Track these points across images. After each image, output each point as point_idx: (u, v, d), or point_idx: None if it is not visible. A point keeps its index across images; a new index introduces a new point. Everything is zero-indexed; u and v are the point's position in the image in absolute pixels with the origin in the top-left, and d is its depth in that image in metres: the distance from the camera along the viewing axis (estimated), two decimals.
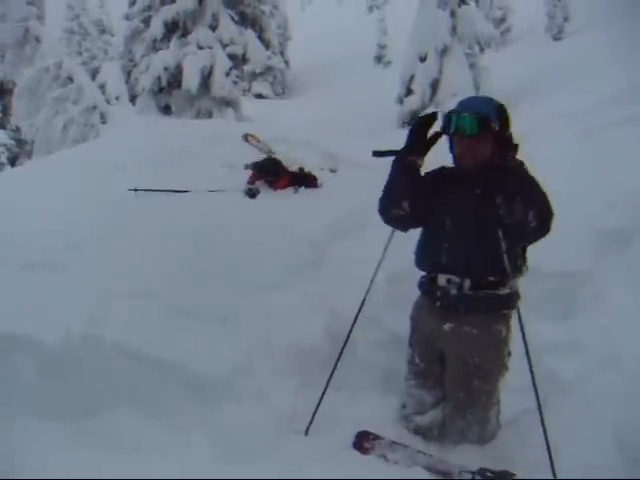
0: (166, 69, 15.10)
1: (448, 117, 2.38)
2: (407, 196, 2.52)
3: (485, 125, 2.31)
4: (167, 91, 15.52)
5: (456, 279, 2.46)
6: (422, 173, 2.54)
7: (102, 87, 18.40)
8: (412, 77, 14.31)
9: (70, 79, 13.59)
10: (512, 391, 2.70)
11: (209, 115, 14.80)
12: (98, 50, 27.22)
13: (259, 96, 26.17)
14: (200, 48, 14.90)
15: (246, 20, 16.57)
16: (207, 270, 3.53)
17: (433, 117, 2.49)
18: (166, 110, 15.76)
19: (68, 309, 2.95)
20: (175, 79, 15.22)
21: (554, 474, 2.21)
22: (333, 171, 5.73)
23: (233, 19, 15.64)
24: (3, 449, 2.25)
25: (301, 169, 5.39)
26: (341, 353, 2.72)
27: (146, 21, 17.24)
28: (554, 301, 3.29)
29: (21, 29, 13.63)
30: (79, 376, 2.65)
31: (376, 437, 2.60)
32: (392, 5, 31.43)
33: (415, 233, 2.68)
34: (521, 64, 15.57)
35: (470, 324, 2.47)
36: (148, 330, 2.92)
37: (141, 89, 15.97)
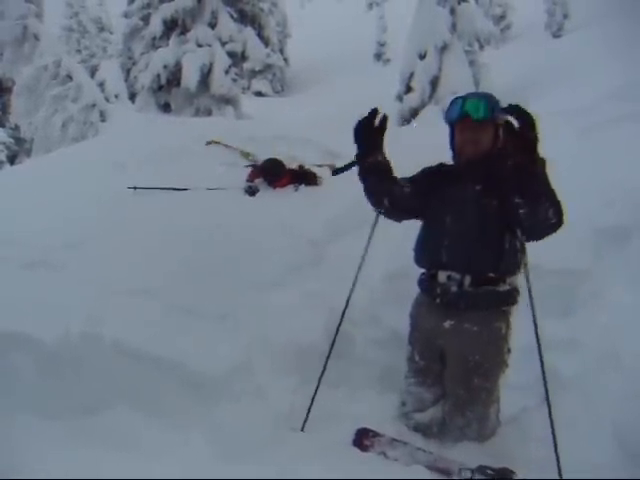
0: (165, 67, 15.09)
1: (454, 102, 2.41)
2: (383, 194, 2.59)
3: (493, 110, 2.35)
4: (166, 89, 15.51)
5: (457, 276, 2.46)
6: (392, 164, 2.61)
7: (101, 85, 18.39)
8: (412, 74, 14.28)
9: (69, 77, 13.59)
10: (512, 389, 2.70)
11: (208, 113, 14.79)
12: (97, 48, 27.19)
13: (258, 94, 26.15)
14: (199, 46, 14.89)
15: (245, 18, 16.55)
16: (206, 268, 3.53)
17: (373, 113, 2.52)
18: (165, 108, 15.76)
19: (67, 307, 2.94)
20: (174, 77, 15.21)
21: (560, 473, 2.20)
22: (332, 168, 5.73)
23: (232, 17, 15.62)
24: (3, 447, 2.25)
25: (301, 166, 5.39)
26: (331, 349, 2.71)
27: (145, 19, 17.23)
28: (554, 298, 3.29)
29: (20, 27, 13.61)
30: (78, 374, 2.65)
31: (376, 434, 2.60)
32: (391, 2, 31.36)
33: (413, 230, 2.68)
34: (521, 61, 15.57)
35: (470, 321, 2.47)
36: (147, 328, 2.92)
37: (140, 87, 15.97)
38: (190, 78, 14.66)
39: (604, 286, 3.41)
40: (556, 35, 19.98)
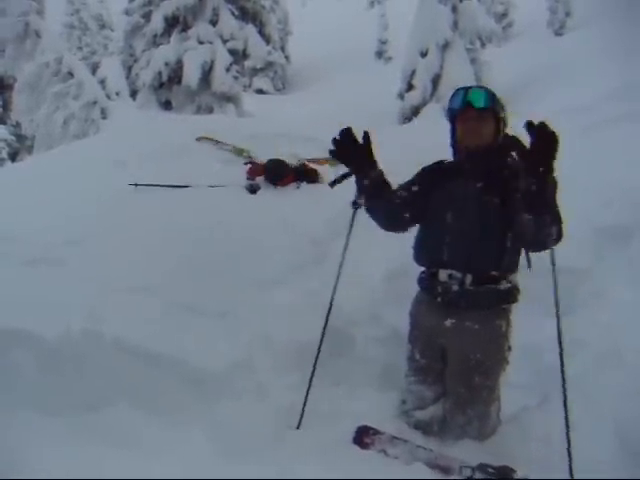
0: (167, 64, 15.08)
1: (457, 92, 2.44)
2: (386, 222, 2.67)
3: (493, 101, 2.40)
4: (167, 86, 15.51)
5: (458, 274, 2.45)
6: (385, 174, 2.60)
7: (102, 82, 18.39)
8: (413, 72, 14.26)
9: (70, 74, 13.58)
10: (512, 387, 2.70)
11: (210, 111, 14.77)
12: (98, 45, 27.17)
13: (260, 91, 26.13)
14: (200, 43, 14.87)
15: (246, 15, 16.51)
16: (207, 266, 3.53)
17: (348, 131, 2.54)
18: (166, 105, 15.75)
19: (68, 304, 2.95)
20: (175, 74, 15.19)
21: (571, 473, 2.20)
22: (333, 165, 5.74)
23: (233, 14, 15.59)
24: (3, 444, 2.25)
25: (304, 164, 5.39)
26: (319, 347, 2.70)
27: (146, 16, 17.21)
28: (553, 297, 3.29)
29: (21, 24, 13.60)
30: (79, 371, 2.65)
31: (376, 432, 2.60)
32: (393, 0, 31.31)
33: (413, 228, 2.68)
34: (522, 59, 15.54)
35: (471, 319, 2.47)
36: (148, 326, 2.92)
37: (141, 84, 15.96)
38: (191, 76, 14.64)
39: (605, 285, 3.41)
40: (558, 33, 19.92)
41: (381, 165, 2.60)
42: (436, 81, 14.11)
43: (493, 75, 14.21)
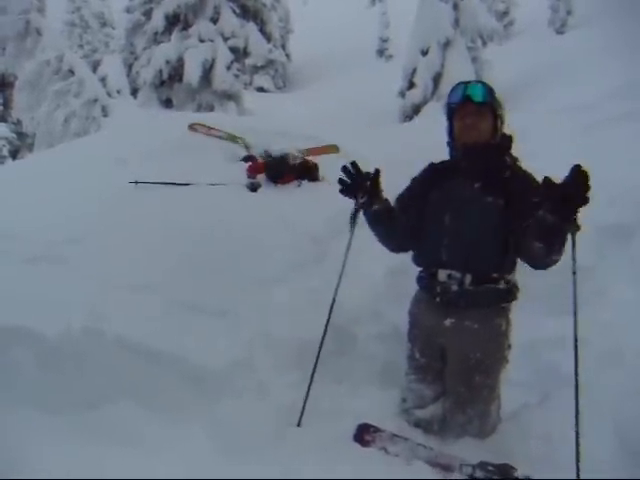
0: (167, 62, 15.07)
1: (457, 87, 2.45)
2: (392, 245, 2.68)
3: (492, 95, 2.41)
4: (168, 84, 15.50)
5: (457, 274, 2.44)
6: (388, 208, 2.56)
7: (103, 80, 18.39)
8: (414, 71, 14.24)
9: (71, 72, 13.60)
10: (512, 385, 2.70)
11: (210, 109, 14.77)
12: (99, 43, 27.15)
13: (260, 89, 26.10)
14: (201, 41, 14.86)
15: (247, 13, 16.49)
16: (208, 264, 3.54)
17: (354, 167, 2.51)
18: (167, 103, 15.75)
19: (69, 302, 2.95)
20: (176, 72, 15.19)
21: (578, 474, 2.20)
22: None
23: (234, 12, 15.58)
24: (3, 442, 2.25)
25: (304, 161, 5.39)
26: (321, 346, 2.69)
27: (147, 14, 17.21)
28: (556, 296, 3.29)
29: (22, 22, 13.62)
30: (80, 369, 2.65)
31: (377, 430, 2.60)
32: None
33: None
34: (524, 58, 15.51)
35: (471, 319, 2.47)
36: (149, 323, 2.92)
37: (142, 82, 15.96)
38: (192, 73, 14.64)
39: (607, 284, 3.41)
40: (559, 32, 19.88)
41: (386, 195, 2.58)
42: (437, 79, 14.09)
43: (494, 74, 14.18)
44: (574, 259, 2.27)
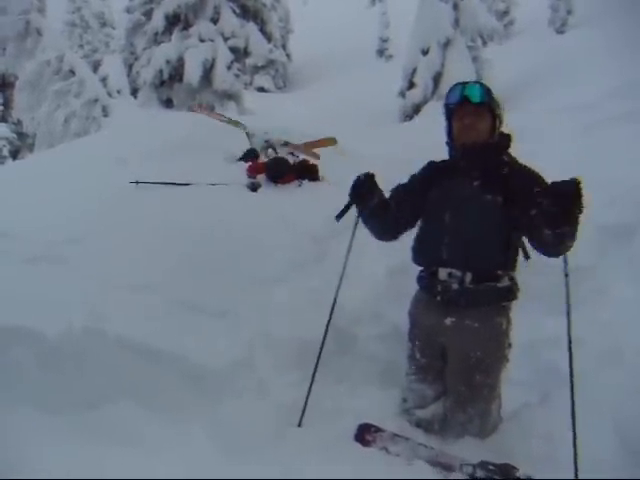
0: (168, 62, 15.06)
1: (454, 88, 2.47)
2: (381, 233, 2.75)
3: (489, 95, 2.43)
4: (169, 84, 15.49)
5: (457, 273, 2.45)
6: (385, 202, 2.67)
7: (104, 80, 18.40)
8: (414, 70, 14.22)
9: (72, 72, 13.61)
10: (513, 385, 2.70)
11: (211, 109, 14.75)
12: (99, 43, 27.15)
13: (261, 89, 26.09)
14: (202, 41, 14.85)
15: (248, 13, 16.49)
16: (208, 264, 3.54)
17: (370, 178, 2.67)
18: (168, 103, 15.75)
19: (69, 302, 2.95)
20: (177, 72, 15.18)
21: (576, 473, 2.20)
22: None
23: (235, 12, 15.57)
24: (3, 442, 2.25)
25: (305, 160, 5.40)
26: (322, 346, 2.71)
27: (147, 14, 17.21)
28: (556, 295, 3.29)
29: (22, 22, 13.62)
30: (80, 369, 2.65)
31: (377, 429, 2.60)
32: None
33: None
34: (524, 58, 15.50)
35: (471, 318, 2.47)
36: (149, 323, 2.92)
37: (143, 82, 15.94)
38: (192, 73, 14.63)
39: (607, 283, 3.41)
40: (559, 31, 19.85)
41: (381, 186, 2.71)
42: (437, 79, 14.07)
43: (494, 73, 14.17)
44: (565, 261, 2.34)
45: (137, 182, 4.68)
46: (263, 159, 5.44)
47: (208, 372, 2.81)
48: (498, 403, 2.59)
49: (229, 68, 14.94)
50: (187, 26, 15.24)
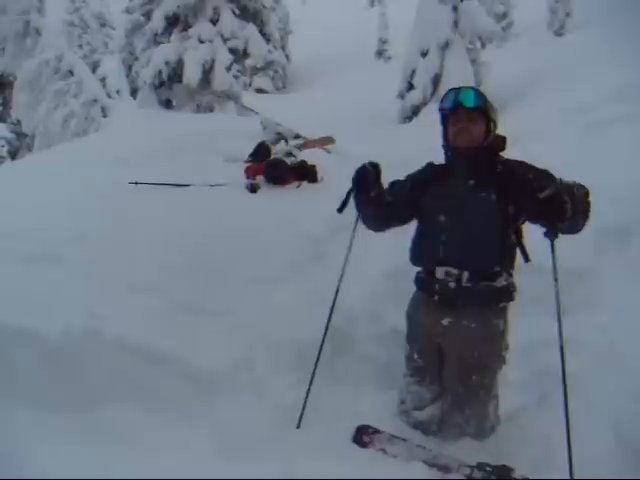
0: (167, 63, 15.02)
1: (448, 93, 2.51)
2: (368, 208, 2.74)
3: (483, 100, 2.46)
4: (168, 85, 15.45)
5: (454, 271, 2.46)
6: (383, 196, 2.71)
7: (103, 80, 18.38)
8: (413, 72, 14.21)
9: (71, 72, 13.58)
10: (511, 386, 2.71)
11: (210, 109, 14.74)
12: (99, 43, 27.12)
13: (260, 91, 26.09)
14: (201, 42, 14.82)
15: (247, 14, 16.45)
16: (208, 264, 3.54)
17: (376, 166, 2.72)
18: (167, 104, 15.71)
19: (69, 302, 2.95)
20: (176, 73, 15.14)
21: (571, 474, 2.20)
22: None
23: (234, 13, 15.55)
24: (3, 442, 2.25)
25: (304, 162, 5.41)
26: (321, 348, 2.73)
27: (147, 14, 17.16)
28: (554, 297, 3.29)
29: (21, 21, 13.60)
30: (79, 369, 2.66)
31: (375, 431, 2.61)
32: None
33: (412, 227, 2.69)
34: (523, 60, 15.52)
35: (468, 318, 2.48)
36: (148, 324, 2.93)
37: (142, 83, 15.89)
38: (192, 74, 14.60)
39: (605, 285, 3.42)
40: (558, 34, 19.88)
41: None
42: (436, 81, 14.06)
43: (493, 75, 14.18)
44: (555, 265, 2.39)
45: (136, 183, 4.68)
46: (274, 152, 5.48)
47: (207, 373, 2.81)
48: (495, 404, 2.60)
49: (228, 69, 14.91)
50: (186, 27, 15.20)
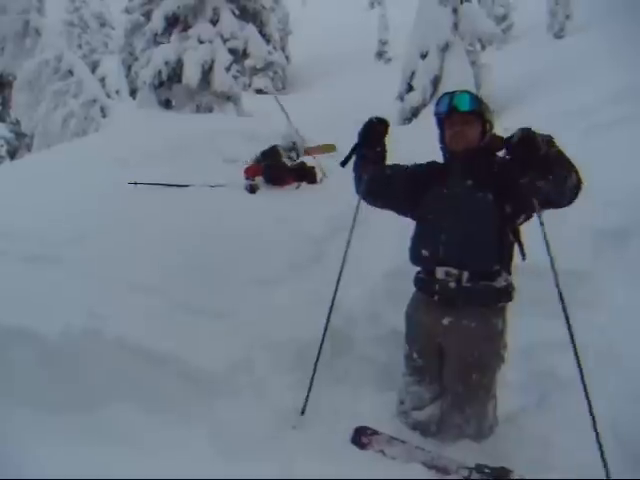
0: (166, 63, 15.02)
1: (443, 98, 2.52)
2: (368, 166, 2.73)
3: (478, 103, 2.47)
4: (167, 85, 15.45)
5: (454, 271, 2.47)
6: (385, 159, 2.78)
7: (102, 81, 18.37)
8: (413, 74, 14.22)
9: (70, 72, 13.58)
10: (510, 388, 2.71)
11: (209, 110, 14.74)
12: (98, 43, 27.12)
13: (259, 91, 26.11)
14: (201, 42, 14.83)
15: (247, 15, 16.46)
16: (207, 264, 3.54)
17: (382, 119, 2.73)
18: (166, 104, 15.72)
19: (69, 302, 2.95)
20: (175, 73, 15.14)
21: (608, 475, 2.20)
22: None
23: (234, 13, 15.55)
24: (2, 442, 2.25)
25: (303, 163, 5.42)
26: (320, 349, 2.73)
27: (147, 15, 17.16)
28: (554, 299, 3.29)
29: (21, 21, 13.59)
30: (79, 370, 2.66)
31: (374, 432, 2.61)
32: (394, 0, 31.30)
33: (412, 228, 2.69)
34: (522, 62, 15.54)
35: (468, 318, 2.49)
36: (148, 324, 2.93)
37: (141, 83, 15.89)
38: (191, 75, 14.60)
39: (604, 287, 3.42)
40: (558, 36, 19.90)
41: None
42: (436, 83, 14.07)
43: (493, 77, 14.20)
44: (555, 272, 2.39)
45: (136, 183, 4.68)
46: (285, 159, 5.47)
47: (207, 373, 2.81)
48: (494, 404, 2.60)
49: (228, 70, 14.92)
50: (186, 27, 15.21)
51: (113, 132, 8.27)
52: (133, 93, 18.96)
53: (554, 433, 2.46)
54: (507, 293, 2.52)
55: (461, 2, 14.19)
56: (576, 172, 2.31)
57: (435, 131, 2.63)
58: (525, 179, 2.27)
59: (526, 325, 2.83)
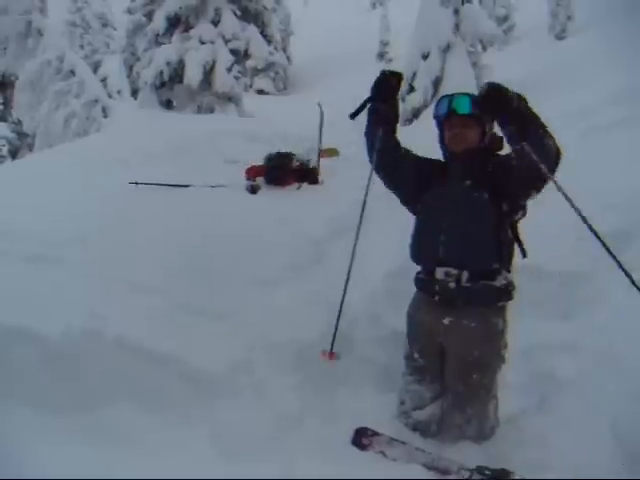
0: (168, 64, 15.04)
1: (442, 100, 2.53)
2: (379, 124, 2.66)
3: (477, 106, 2.43)
4: (169, 86, 15.46)
5: (454, 271, 2.48)
6: (397, 115, 2.73)
7: (104, 81, 18.38)
8: (414, 74, 14.21)
9: (72, 72, 13.58)
10: (510, 389, 2.71)
11: (211, 110, 14.76)
12: (100, 44, 27.14)
13: (261, 92, 26.12)
14: (202, 43, 14.84)
15: (249, 15, 16.48)
16: (208, 265, 3.55)
17: (396, 73, 2.67)
18: (168, 105, 15.74)
19: (69, 302, 2.95)
20: (177, 74, 15.16)
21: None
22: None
23: (235, 14, 15.57)
24: (3, 442, 2.25)
25: (302, 164, 5.42)
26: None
27: (148, 15, 17.19)
28: (554, 300, 3.30)
29: (23, 21, 13.60)
30: (79, 370, 2.66)
31: (374, 433, 2.61)
32: (395, 2, 31.31)
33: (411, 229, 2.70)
34: (524, 63, 15.53)
35: (468, 317, 2.49)
36: (149, 324, 2.93)
37: (143, 83, 15.92)
38: (193, 75, 14.62)
39: (604, 288, 3.42)
40: (559, 37, 19.90)
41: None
42: (437, 84, 14.07)
43: (494, 78, 14.18)
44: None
45: (137, 183, 4.69)
46: (295, 164, 5.44)
47: (207, 374, 2.81)
48: (495, 405, 2.60)
49: (229, 70, 14.93)
50: (188, 28, 15.23)
51: (114, 132, 8.28)
52: (135, 93, 18.96)
53: (554, 434, 2.46)
54: (507, 292, 2.52)
55: (462, 3, 14.18)
56: (552, 138, 2.33)
57: (435, 132, 2.64)
58: (517, 146, 2.29)
59: (526, 326, 2.83)
